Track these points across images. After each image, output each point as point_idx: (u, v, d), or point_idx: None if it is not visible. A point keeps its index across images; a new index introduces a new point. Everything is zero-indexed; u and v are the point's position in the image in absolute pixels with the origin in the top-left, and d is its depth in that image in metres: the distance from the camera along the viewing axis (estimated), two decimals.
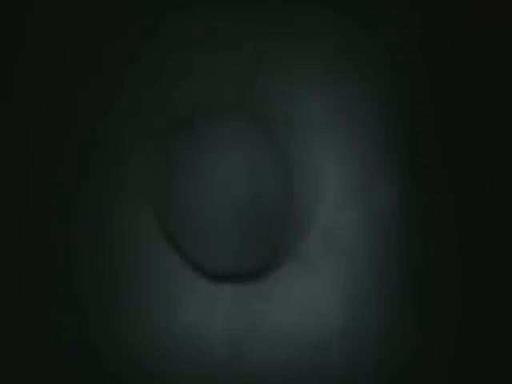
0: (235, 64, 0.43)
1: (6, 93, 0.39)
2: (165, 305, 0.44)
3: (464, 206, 0.45)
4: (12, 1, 0.34)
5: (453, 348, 0.44)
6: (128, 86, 0.44)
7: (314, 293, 0.44)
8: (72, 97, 0.45)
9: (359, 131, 0.44)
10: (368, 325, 0.44)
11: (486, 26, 0.44)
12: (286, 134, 0.43)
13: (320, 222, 0.45)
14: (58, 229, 0.44)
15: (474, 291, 0.44)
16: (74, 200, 0.45)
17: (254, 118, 0.42)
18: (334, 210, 0.45)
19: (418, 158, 0.45)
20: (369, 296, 0.44)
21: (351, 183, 0.45)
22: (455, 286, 0.44)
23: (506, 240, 0.44)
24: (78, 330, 0.43)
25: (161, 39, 0.45)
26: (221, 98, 0.43)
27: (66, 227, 0.44)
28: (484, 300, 0.44)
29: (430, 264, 0.44)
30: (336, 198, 0.45)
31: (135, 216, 0.45)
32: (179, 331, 0.44)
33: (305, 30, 0.45)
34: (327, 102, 0.43)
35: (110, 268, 0.44)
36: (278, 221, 0.42)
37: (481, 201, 0.45)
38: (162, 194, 0.43)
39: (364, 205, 0.45)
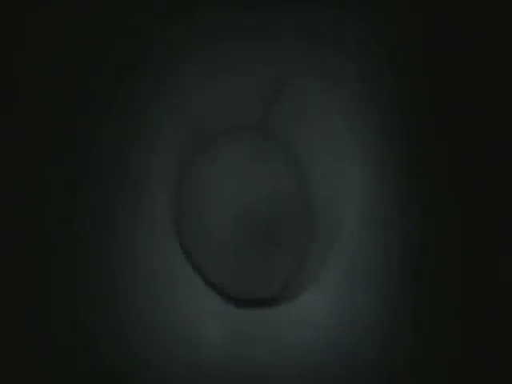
0: (252, 84, 0.43)
1: (5, 92, 0.39)
2: (166, 306, 0.44)
3: (464, 206, 0.44)
4: (12, 1, 0.34)
5: (453, 348, 0.43)
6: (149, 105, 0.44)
7: (314, 291, 0.44)
8: (77, 100, 0.45)
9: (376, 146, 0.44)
10: (368, 325, 0.44)
11: (486, 24, 0.44)
12: (303, 154, 0.43)
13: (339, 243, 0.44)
14: (59, 228, 0.44)
15: (474, 291, 0.44)
16: (74, 200, 0.45)
17: (267, 135, 0.41)
18: (352, 227, 0.45)
19: (418, 158, 0.45)
20: (369, 296, 0.44)
21: (370, 200, 0.44)
22: (455, 286, 0.44)
23: (506, 240, 0.44)
24: (78, 330, 0.43)
25: (181, 56, 0.45)
26: (239, 116, 0.43)
27: (67, 227, 0.44)
28: (484, 300, 0.44)
29: (430, 264, 0.44)
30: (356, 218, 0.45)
31: (135, 216, 0.45)
32: (178, 331, 0.44)
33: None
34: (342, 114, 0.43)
35: (108, 266, 0.44)
36: (297, 243, 0.41)
37: (481, 201, 0.44)
38: (183, 215, 0.42)
39: (366, 206, 0.45)
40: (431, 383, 0.43)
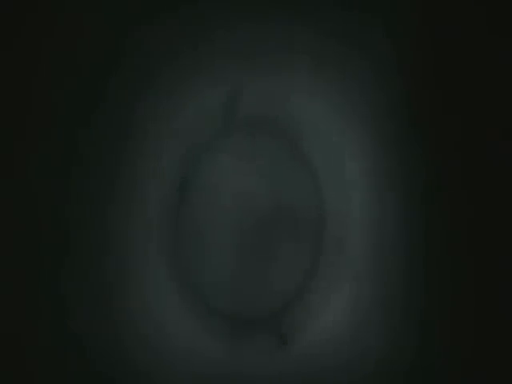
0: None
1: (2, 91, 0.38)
2: (162, 309, 0.43)
3: (469, 207, 0.44)
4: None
5: (453, 348, 0.44)
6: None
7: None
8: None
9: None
10: (374, 324, 0.44)
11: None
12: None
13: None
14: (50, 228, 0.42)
15: (476, 291, 0.44)
16: (65, 200, 0.43)
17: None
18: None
19: (419, 158, 0.44)
20: (374, 295, 0.44)
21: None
22: (457, 286, 0.44)
23: (507, 241, 0.44)
24: (69, 339, 0.42)
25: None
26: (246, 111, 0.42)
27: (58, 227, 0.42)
28: (486, 300, 0.44)
29: (436, 263, 0.44)
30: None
31: (127, 216, 0.43)
32: (172, 332, 0.43)
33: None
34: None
35: (101, 268, 0.43)
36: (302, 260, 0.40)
37: (484, 202, 0.44)
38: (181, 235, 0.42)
39: (368, 208, 0.44)
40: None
